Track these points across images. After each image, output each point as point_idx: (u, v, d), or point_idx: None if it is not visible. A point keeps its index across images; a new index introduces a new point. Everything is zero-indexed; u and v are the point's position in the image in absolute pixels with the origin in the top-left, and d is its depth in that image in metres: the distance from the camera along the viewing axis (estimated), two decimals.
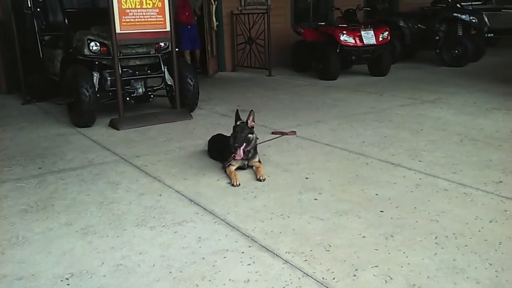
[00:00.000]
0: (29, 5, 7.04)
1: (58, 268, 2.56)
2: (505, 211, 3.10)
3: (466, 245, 2.67)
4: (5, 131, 5.68)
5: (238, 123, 3.97)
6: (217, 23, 9.83)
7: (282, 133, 5.11)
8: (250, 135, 3.89)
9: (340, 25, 9.11)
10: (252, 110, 3.96)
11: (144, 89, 6.17)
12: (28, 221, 3.16)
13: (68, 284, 2.41)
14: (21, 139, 5.29)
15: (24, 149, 4.87)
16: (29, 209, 3.35)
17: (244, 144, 3.85)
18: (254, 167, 3.97)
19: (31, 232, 2.99)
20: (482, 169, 3.91)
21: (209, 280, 2.40)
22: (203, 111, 6.51)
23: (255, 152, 4.02)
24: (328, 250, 2.66)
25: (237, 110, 4.06)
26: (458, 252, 2.59)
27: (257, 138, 4.09)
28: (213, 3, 9.58)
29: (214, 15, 9.61)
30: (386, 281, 2.34)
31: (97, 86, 5.77)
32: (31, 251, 2.75)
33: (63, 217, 3.20)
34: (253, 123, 3.96)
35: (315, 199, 3.38)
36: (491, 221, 2.96)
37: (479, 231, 2.84)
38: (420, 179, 3.72)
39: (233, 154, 3.85)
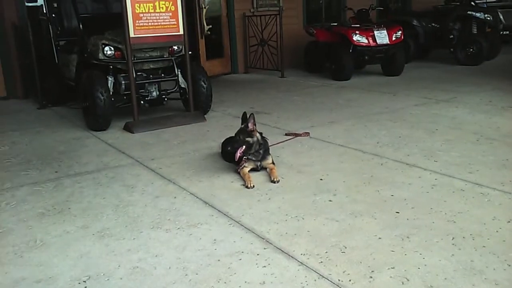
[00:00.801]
0: (45, 11, 7.15)
1: (76, 271, 2.59)
2: None
3: (483, 246, 2.63)
4: (22, 135, 5.76)
5: (242, 126, 4.00)
6: (210, 26, 9.63)
7: (296, 134, 5.11)
8: (248, 139, 3.90)
9: (353, 25, 9.07)
10: (252, 114, 3.95)
11: (158, 93, 6.22)
12: (45, 224, 3.20)
13: (85, 287, 2.43)
14: (38, 143, 5.36)
15: (41, 153, 4.93)
16: (46, 212, 3.40)
17: (244, 147, 3.87)
18: (268, 169, 3.97)
19: (49, 235, 3.03)
20: (499, 168, 3.85)
21: (225, 282, 2.41)
22: (216, 113, 6.53)
23: (268, 154, 4.03)
24: (344, 252, 2.65)
25: (244, 113, 4.06)
26: (476, 253, 2.56)
27: (266, 139, 4.08)
28: (203, 7, 9.48)
29: (204, 20, 9.45)
30: (403, 283, 2.32)
31: (111, 90, 5.83)
32: (48, 254, 2.79)
33: (79, 220, 3.24)
34: (254, 126, 3.95)
35: (330, 201, 3.37)
36: (509, 221, 2.92)
37: (497, 231, 2.80)
38: (436, 179, 3.69)
39: (243, 158, 3.89)
